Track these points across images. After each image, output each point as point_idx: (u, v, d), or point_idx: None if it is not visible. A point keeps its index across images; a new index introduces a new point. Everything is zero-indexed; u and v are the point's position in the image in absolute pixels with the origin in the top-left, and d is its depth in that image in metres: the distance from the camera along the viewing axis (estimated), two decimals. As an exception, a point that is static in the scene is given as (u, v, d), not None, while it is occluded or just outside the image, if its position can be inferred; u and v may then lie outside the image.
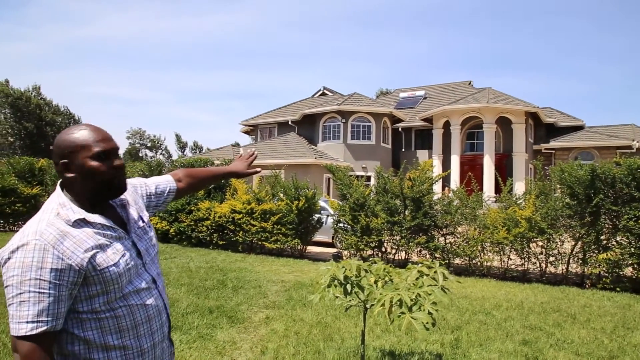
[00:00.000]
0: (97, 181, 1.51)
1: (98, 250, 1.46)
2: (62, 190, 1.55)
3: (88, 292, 1.45)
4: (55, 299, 1.36)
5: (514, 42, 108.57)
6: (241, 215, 11.37)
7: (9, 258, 1.37)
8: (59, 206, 1.49)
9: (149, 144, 68.24)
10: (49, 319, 1.35)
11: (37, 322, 1.33)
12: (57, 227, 1.43)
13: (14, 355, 1.35)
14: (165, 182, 1.97)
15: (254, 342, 4.82)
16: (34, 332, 1.33)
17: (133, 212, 1.70)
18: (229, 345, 4.71)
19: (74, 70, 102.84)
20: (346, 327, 5.37)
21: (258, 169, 2.31)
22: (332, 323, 5.50)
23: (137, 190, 1.83)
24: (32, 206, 14.43)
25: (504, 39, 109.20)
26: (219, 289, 7.13)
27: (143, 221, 1.73)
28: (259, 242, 11.33)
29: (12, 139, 50.43)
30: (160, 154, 67.40)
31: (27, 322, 1.33)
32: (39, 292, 1.34)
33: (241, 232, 11.42)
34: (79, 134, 1.52)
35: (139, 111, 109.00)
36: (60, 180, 1.57)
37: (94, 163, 1.50)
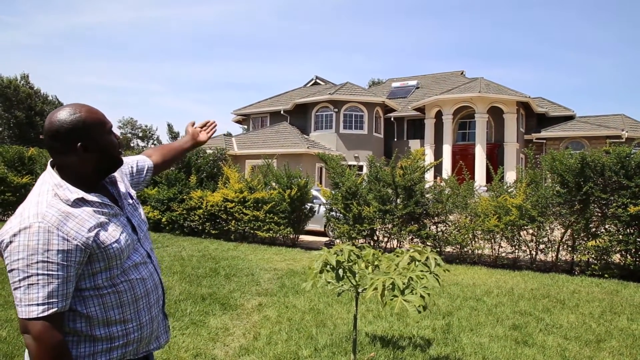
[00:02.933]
0: (114, 155, 1.55)
1: (100, 228, 1.47)
2: (55, 172, 1.53)
3: (91, 269, 1.45)
4: (63, 280, 1.36)
5: (505, 34, 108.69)
6: (233, 204, 11.36)
7: (10, 242, 1.35)
8: (55, 187, 1.47)
9: (140, 134, 67.83)
10: (58, 299, 1.35)
11: (48, 303, 1.33)
12: (58, 208, 1.42)
13: (24, 336, 1.35)
14: (142, 160, 1.99)
15: (246, 328, 4.85)
16: (45, 313, 1.33)
17: (122, 189, 1.70)
18: (222, 331, 4.73)
19: (64, 60, 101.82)
20: (338, 313, 5.41)
21: (214, 129, 2.36)
22: (324, 309, 5.53)
23: (121, 169, 1.83)
24: (22, 195, 14.30)
25: (496, 31, 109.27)
26: (211, 276, 7.15)
27: (132, 198, 1.74)
28: (252, 231, 11.35)
29: (0, 129, 49.89)
30: (152, 143, 67.02)
31: (38, 304, 1.32)
32: (47, 275, 1.33)
33: (233, 221, 11.42)
34: (89, 112, 1.52)
35: (130, 101, 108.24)
36: (52, 162, 1.55)
37: (111, 138, 1.55)
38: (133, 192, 1.79)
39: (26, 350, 1.50)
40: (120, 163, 1.62)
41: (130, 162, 1.92)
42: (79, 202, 1.47)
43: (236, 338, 4.56)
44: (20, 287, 1.33)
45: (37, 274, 1.33)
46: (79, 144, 1.47)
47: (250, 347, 4.31)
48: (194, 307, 5.49)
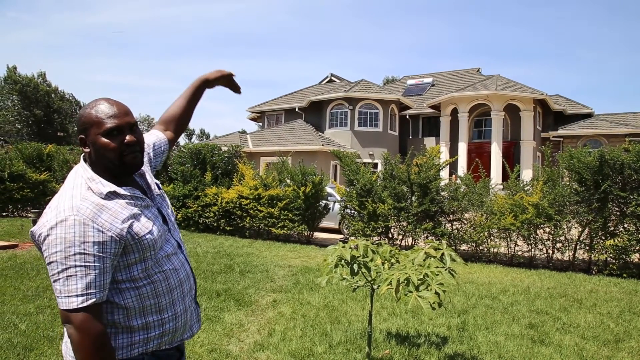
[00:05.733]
0: (109, 157, 1.51)
1: (133, 219, 1.49)
2: (87, 164, 1.56)
3: (127, 260, 1.48)
4: (100, 271, 1.38)
5: (520, 32, 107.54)
6: (248, 200, 11.40)
7: (48, 235, 1.38)
8: (88, 180, 1.50)
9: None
10: (96, 290, 1.38)
11: (87, 294, 1.36)
12: (92, 201, 1.44)
13: (66, 326, 1.38)
14: (159, 140, 1.94)
15: (261, 324, 4.87)
16: (84, 304, 1.35)
17: (150, 181, 1.72)
18: (237, 327, 4.75)
19: (81, 58, 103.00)
20: (353, 310, 5.40)
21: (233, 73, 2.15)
22: (339, 306, 5.53)
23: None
24: (40, 192, 14.53)
25: (510, 29, 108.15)
26: (226, 273, 7.18)
27: (159, 188, 1.76)
28: (266, 228, 11.38)
29: (19, 126, 50.63)
30: (167, 141, 67.50)
31: (77, 295, 1.35)
32: (85, 266, 1.36)
33: (248, 217, 11.46)
34: (94, 110, 1.53)
35: (146, 98, 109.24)
36: (84, 155, 1.60)
37: (103, 140, 1.50)
38: (158, 182, 1.80)
39: (65, 341, 1.53)
40: (129, 166, 1.56)
41: (147, 145, 1.86)
42: (111, 195, 1.49)
43: (251, 334, 4.57)
44: (59, 279, 1.36)
45: (75, 266, 1.35)
46: (80, 137, 1.55)
47: (264, 343, 4.32)
48: (209, 302, 5.52)
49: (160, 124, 2.03)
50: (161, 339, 1.56)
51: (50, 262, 1.37)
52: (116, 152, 1.51)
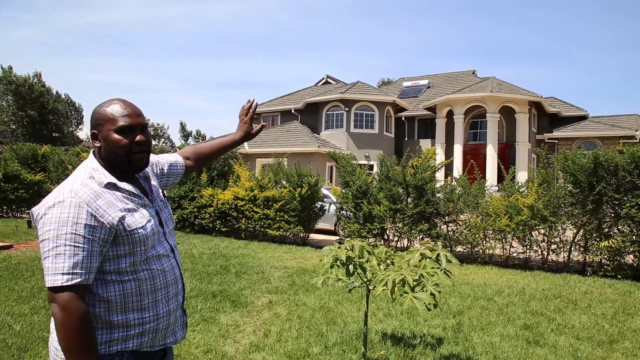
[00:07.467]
0: (118, 153, 1.59)
1: (127, 212, 1.55)
2: (95, 157, 1.64)
3: (116, 251, 1.53)
4: (88, 254, 1.44)
5: (516, 33, 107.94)
6: (244, 202, 11.39)
7: (45, 214, 1.45)
8: (92, 170, 1.58)
9: (152, 132, 68.28)
10: (82, 271, 1.43)
11: (72, 274, 1.41)
12: (91, 187, 1.52)
13: (51, 305, 1.43)
14: (175, 162, 2.03)
15: (257, 325, 4.87)
16: (69, 283, 1.40)
17: (155, 186, 1.79)
18: (232, 328, 4.75)
19: (77, 57, 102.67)
20: (349, 311, 5.41)
21: (263, 124, 2.28)
22: (334, 308, 5.54)
23: (152, 169, 1.89)
24: (35, 193, 14.46)
25: (508, 30, 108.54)
26: (222, 274, 7.18)
27: (164, 196, 1.83)
28: (262, 229, 11.38)
29: (14, 127, 50.37)
30: (163, 142, 67.41)
31: (63, 273, 1.40)
32: (74, 246, 1.42)
33: (244, 219, 11.45)
34: (109, 108, 1.62)
35: (142, 99, 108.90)
36: (93, 149, 1.67)
37: (116, 136, 1.59)
38: (163, 191, 1.87)
39: (51, 331, 1.57)
40: (135, 164, 1.64)
41: (163, 161, 1.97)
42: (110, 186, 1.57)
43: (246, 335, 4.57)
44: (49, 256, 1.42)
45: (65, 244, 1.41)
46: (93, 132, 1.64)
47: (260, 344, 4.32)
48: (205, 303, 5.51)
49: (184, 152, 2.12)
50: (141, 338, 1.59)
51: (43, 240, 1.44)
52: (126, 149, 1.59)
